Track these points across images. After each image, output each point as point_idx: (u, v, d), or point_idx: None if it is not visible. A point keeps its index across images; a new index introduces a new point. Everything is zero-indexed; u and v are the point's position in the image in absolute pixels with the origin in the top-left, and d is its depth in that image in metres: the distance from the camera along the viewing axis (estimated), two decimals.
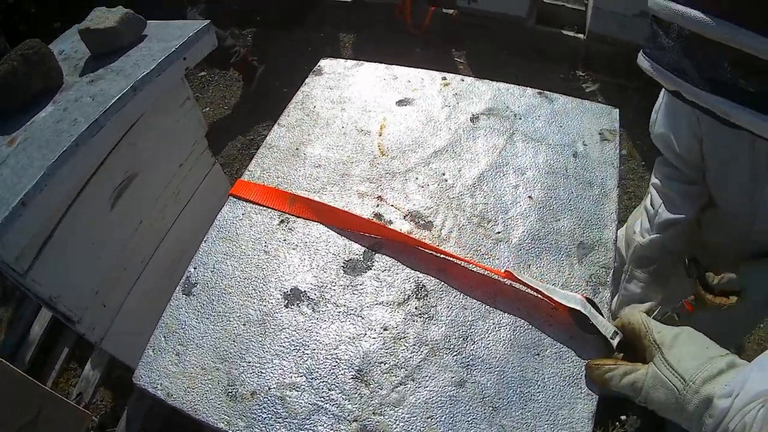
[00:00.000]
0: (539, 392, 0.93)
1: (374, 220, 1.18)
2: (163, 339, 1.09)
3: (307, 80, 1.55)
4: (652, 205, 1.38)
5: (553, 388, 0.93)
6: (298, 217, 1.21)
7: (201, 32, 1.75)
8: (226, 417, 0.96)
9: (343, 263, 1.12)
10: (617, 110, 1.35)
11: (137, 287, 1.98)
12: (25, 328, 3.59)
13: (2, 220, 1.37)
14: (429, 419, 0.91)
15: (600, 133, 1.31)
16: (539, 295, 1.01)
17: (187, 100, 1.91)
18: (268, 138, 1.40)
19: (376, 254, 1.12)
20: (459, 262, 1.08)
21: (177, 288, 1.16)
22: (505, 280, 1.03)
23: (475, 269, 1.07)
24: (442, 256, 1.09)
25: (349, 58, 3.93)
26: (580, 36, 4.29)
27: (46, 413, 2.75)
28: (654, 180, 1.39)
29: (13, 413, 2.63)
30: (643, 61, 1.10)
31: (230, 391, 0.99)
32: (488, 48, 4.36)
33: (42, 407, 2.71)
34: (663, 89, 1.25)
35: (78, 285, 1.75)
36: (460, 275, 1.07)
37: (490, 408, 0.92)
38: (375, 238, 1.14)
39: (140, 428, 2.98)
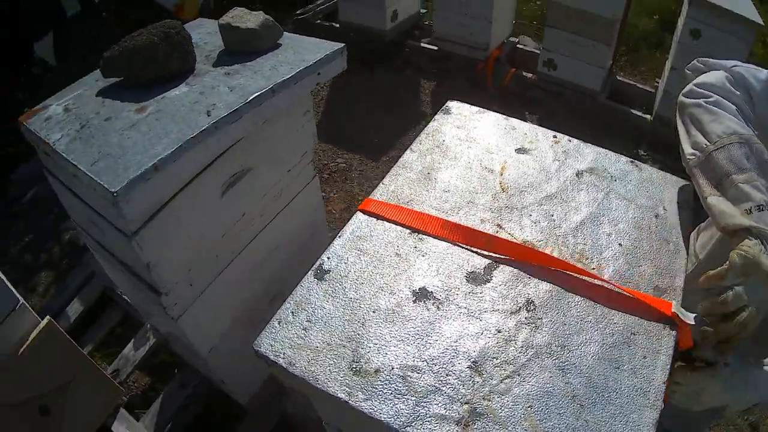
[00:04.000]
0: (617, 398, 1.15)
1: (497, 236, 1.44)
2: (290, 314, 1.33)
3: (436, 116, 1.81)
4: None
5: (627, 396, 1.16)
6: (426, 233, 1.46)
7: (336, 53, 1.99)
8: (347, 388, 1.19)
9: (466, 274, 1.36)
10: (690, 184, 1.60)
11: (223, 276, 2.20)
12: (68, 300, 3.82)
13: (133, 178, 1.55)
14: (528, 408, 1.14)
15: (678, 202, 1.57)
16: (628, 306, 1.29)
17: (307, 112, 2.16)
18: (401, 160, 1.68)
19: (495, 270, 1.37)
20: (572, 273, 1.35)
21: (308, 272, 1.41)
22: (598, 304, 1.29)
23: (576, 291, 1.32)
24: (548, 277, 1.35)
25: (428, 105, 4.22)
26: (647, 117, 4.59)
27: (80, 380, 2.88)
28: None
29: (49, 373, 2.78)
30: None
31: (354, 366, 1.22)
32: (560, 114, 4.66)
33: (77, 373, 2.86)
34: None
35: (174, 260, 1.95)
36: (561, 296, 1.33)
37: (578, 405, 1.14)
38: (493, 256, 1.38)
39: (173, 416, 3.14)
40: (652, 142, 4.48)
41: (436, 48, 5.49)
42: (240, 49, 2.03)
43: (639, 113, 4.68)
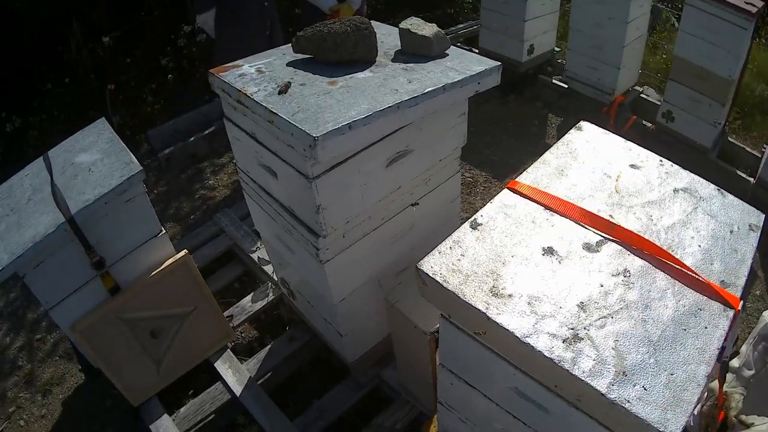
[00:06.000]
0: (681, 351, 1.66)
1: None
2: (448, 248, 1.93)
3: (571, 131, 2.39)
4: None
5: (689, 351, 1.65)
6: (556, 212, 2.03)
7: (494, 69, 2.51)
8: (486, 304, 1.76)
9: (582, 244, 1.94)
10: (764, 216, 2.16)
11: (370, 236, 2.74)
12: (194, 248, 4.37)
13: (332, 130, 2.04)
14: (615, 341, 1.66)
15: (749, 225, 2.11)
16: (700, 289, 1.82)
17: (462, 114, 2.71)
18: (541, 159, 2.26)
19: (604, 245, 1.93)
20: (661, 258, 1.89)
21: (466, 224, 2.01)
22: (677, 282, 1.83)
23: (662, 269, 1.86)
24: (643, 257, 1.89)
25: (553, 138, 4.78)
26: (751, 180, 4.93)
27: (199, 314, 3.45)
28: None
29: (173, 300, 3.32)
30: None
31: (493, 290, 1.80)
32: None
33: (198, 306, 3.41)
34: None
35: (339, 209, 2.46)
36: (650, 271, 1.87)
37: (652, 348, 1.66)
38: (604, 236, 1.95)
39: (275, 366, 3.59)
40: (752, 203, 4.82)
41: (566, 86, 6.12)
42: (413, 51, 2.60)
43: (744, 175, 5.05)
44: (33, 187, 2.97)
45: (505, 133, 5.78)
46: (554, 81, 6.22)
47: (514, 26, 6.06)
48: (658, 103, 5.55)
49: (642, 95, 5.93)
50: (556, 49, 6.70)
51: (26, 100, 6.35)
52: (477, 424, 2.37)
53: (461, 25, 7.53)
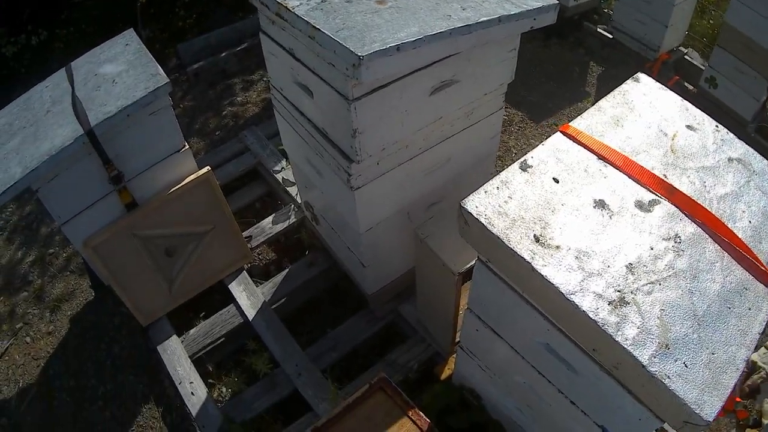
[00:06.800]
0: (724, 330, 1.60)
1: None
2: (495, 188, 1.85)
3: (628, 82, 2.26)
4: None
5: (731, 332, 1.60)
6: (609, 162, 1.94)
7: (551, 7, 2.37)
8: (531, 253, 1.68)
9: (635, 201, 1.84)
10: None
11: (404, 166, 2.68)
12: (218, 164, 4.38)
13: (378, 50, 1.94)
14: (661, 311, 1.60)
15: None
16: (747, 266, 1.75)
17: (513, 49, 2.60)
18: (597, 105, 2.14)
19: (656, 206, 1.84)
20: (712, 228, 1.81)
21: (515, 165, 1.91)
22: (726, 255, 1.76)
23: (713, 239, 1.79)
24: (695, 223, 1.81)
25: (593, 86, 4.66)
26: None
27: (217, 232, 3.41)
28: None
29: (193, 217, 3.29)
30: None
31: (540, 239, 1.72)
32: None
33: (217, 226, 3.38)
34: None
35: (376, 134, 2.40)
36: (701, 240, 1.78)
37: (696, 323, 1.60)
38: (657, 195, 1.86)
39: (292, 291, 3.57)
40: None
41: (610, 36, 5.95)
42: None
43: None
44: (53, 99, 2.90)
45: (544, 75, 5.65)
46: (599, 30, 6.06)
47: None
48: (702, 67, 5.46)
49: (686, 57, 5.80)
50: None
51: (53, 13, 6.28)
52: (497, 374, 2.33)
53: None
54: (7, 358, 3.75)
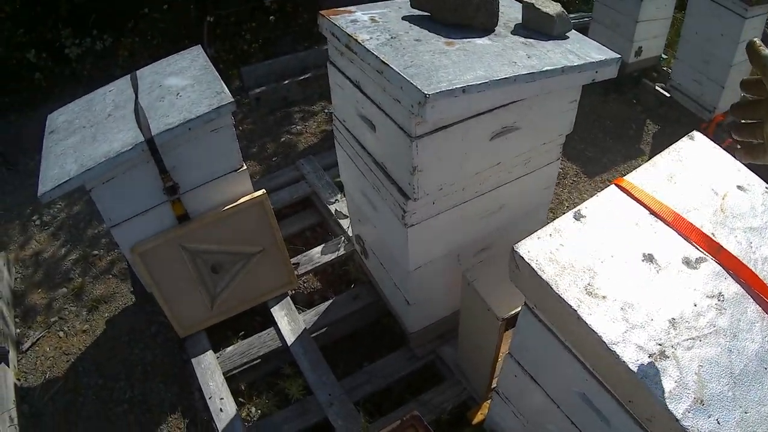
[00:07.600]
0: (759, 391, 1.59)
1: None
2: (548, 235, 1.89)
3: (683, 140, 2.30)
4: None
5: (767, 390, 1.60)
6: (660, 218, 1.97)
7: (613, 60, 2.43)
8: (578, 301, 1.72)
9: (682, 258, 1.86)
10: None
11: (460, 208, 2.71)
12: (273, 189, 4.43)
13: (445, 90, 1.98)
14: (699, 366, 1.61)
15: None
16: None
17: (574, 101, 2.63)
18: (651, 161, 2.19)
19: (703, 263, 1.86)
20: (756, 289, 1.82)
21: (569, 214, 1.95)
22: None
23: (755, 300, 1.80)
24: (739, 283, 1.82)
25: (648, 144, 4.70)
26: None
27: (266, 256, 3.47)
28: None
29: (243, 237, 3.34)
30: None
31: (588, 288, 1.75)
32: None
33: (266, 248, 3.43)
34: None
35: (435, 174, 2.42)
36: (744, 300, 1.79)
37: (733, 382, 1.59)
38: (705, 253, 1.88)
39: (333, 321, 3.60)
40: None
41: (668, 94, 6.00)
42: (534, 27, 2.54)
43: None
44: (115, 104, 3.00)
45: (601, 130, 5.71)
46: (657, 87, 6.10)
47: (625, 25, 5.99)
48: None
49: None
50: (664, 56, 6.57)
51: (120, 21, 6.43)
52: (530, 421, 2.34)
53: (572, 15, 7.43)
54: (37, 348, 3.83)
